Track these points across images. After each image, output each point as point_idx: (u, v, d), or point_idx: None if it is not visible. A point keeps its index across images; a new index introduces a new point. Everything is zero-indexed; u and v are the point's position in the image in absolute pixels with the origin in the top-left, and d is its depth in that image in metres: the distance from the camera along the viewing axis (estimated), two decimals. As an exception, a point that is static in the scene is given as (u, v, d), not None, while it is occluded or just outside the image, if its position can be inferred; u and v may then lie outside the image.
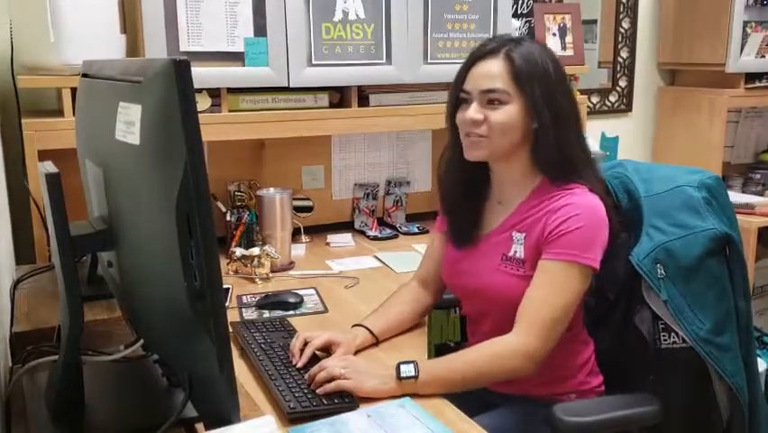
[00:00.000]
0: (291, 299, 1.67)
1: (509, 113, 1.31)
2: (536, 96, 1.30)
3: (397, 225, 2.41)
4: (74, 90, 1.58)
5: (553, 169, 1.34)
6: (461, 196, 1.44)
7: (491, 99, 1.32)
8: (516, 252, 1.35)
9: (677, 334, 1.39)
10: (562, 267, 1.28)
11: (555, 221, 1.30)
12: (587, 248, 1.28)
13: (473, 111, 1.33)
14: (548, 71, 1.32)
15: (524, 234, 1.35)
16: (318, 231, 2.32)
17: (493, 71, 1.32)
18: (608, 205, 1.34)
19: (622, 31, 3.03)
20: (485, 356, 1.28)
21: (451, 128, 1.42)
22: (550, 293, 1.28)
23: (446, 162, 1.46)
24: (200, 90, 1.90)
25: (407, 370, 1.21)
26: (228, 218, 2.09)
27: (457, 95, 1.37)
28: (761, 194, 2.94)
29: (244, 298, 1.72)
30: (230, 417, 0.84)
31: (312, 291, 1.77)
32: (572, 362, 1.42)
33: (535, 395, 1.40)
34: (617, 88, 3.07)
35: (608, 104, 3.06)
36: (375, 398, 1.18)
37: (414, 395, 1.20)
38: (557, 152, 1.32)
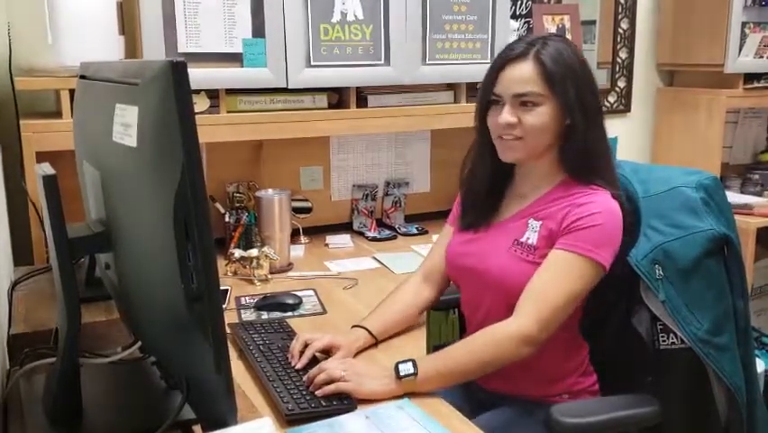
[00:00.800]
0: (290, 301, 1.66)
1: (543, 114, 1.33)
2: (569, 95, 1.32)
3: (396, 226, 2.41)
4: (72, 92, 1.58)
5: (578, 167, 1.36)
6: (486, 194, 1.46)
7: (524, 102, 1.33)
8: (528, 238, 1.36)
9: (675, 334, 1.39)
10: (572, 258, 1.29)
11: (576, 215, 1.31)
12: (601, 246, 1.29)
13: (507, 114, 1.34)
14: (577, 69, 1.34)
15: (540, 223, 1.36)
16: (317, 232, 2.31)
17: (525, 75, 1.33)
18: (625, 212, 1.35)
19: (621, 31, 3.03)
20: (483, 344, 1.28)
21: (480, 129, 1.43)
22: (555, 281, 1.29)
23: (473, 162, 1.47)
24: (198, 91, 1.90)
25: (406, 368, 1.21)
26: (227, 219, 2.09)
27: (488, 98, 1.38)
28: (759, 194, 2.94)
29: (243, 299, 1.72)
30: (227, 419, 0.84)
31: (311, 293, 1.77)
32: (566, 364, 1.42)
33: (529, 395, 1.39)
34: (616, 89, 3.07)
35: (607, 104, 3.05)
36: (375, 399, 1.18)
37: (414, 394, 1.20)
38: (584, 150, 1.34)
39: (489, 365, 1.29)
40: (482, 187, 1.46)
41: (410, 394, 1.20)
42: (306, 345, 1.31)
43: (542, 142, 1.35)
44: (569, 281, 1.29)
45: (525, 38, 1.38)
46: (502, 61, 1.37)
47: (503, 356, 1.28)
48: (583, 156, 1.35)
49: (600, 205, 1.31)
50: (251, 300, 1.70)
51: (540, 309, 1.27)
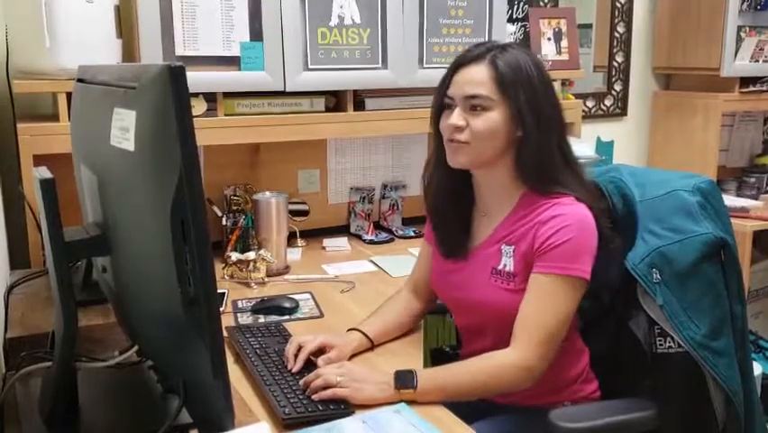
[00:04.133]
0: (287, 304, 1.66)
1: (491, 119, 1.30)
2: (521, 103, 1.29)
3: (394, 229, 2.41)
4: (69, 95, 1.58)
5: (535, 177, 1.33)
6: (448, 205, 1.43)
7: (474, 105, 1.31)
8: (505, 265, 1.35)
9: (673, 338, 1.39)
10: (553, 280, 1.28)
11: (545, 233, 1.29)
12: (575, 259, 1.27)
13: (455, 117, 1.32)
14: (533, 78, 1.31)
15: (513, 247, 1.34)
16: (314, 235, 2.31)
17: (477, 77, 1.31)
18: (597, 211, 1.33)
19: (617, 35, 3.04)
20: (485, 371, 1.27)
21: (435, 134, 1.40)
22: (544, 308, 1.28)
23: (431, 171, 1.45)
24: (196, 95, 1.90)
25: (406, 379, 1.21)
26: (224, 222, 2.09)
27: (441, 100, 1.37)
28: (755, 198, 2.95)
29: (240, 302, 1.71)
30: (224, 423, 0.84)
31: (307, 296, 1.77)
32: (568, 373, 1.42)
33: (530, 405, 1.39)
34: (613, 92, 3.08)
35: (604, 108, 3.06)
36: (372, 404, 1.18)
37: (411, 402, 1.20)
38: (538, 158, 1.31)
39: (491, 392, 1.30)
40: (444, 197, 1.43)
41: (408, 401, 1.20)
42: (299, 348, 1.31)
43: (488, 148, 1.32)
44: (556, 305, 1.27)
45: (486, 43, 1.37)
46: (457, 63, 1.35)
47: (506, 386, 1.28)
48: (539, 167, 1.32)
49: (567, 216, 1.28)
50: (248, 304, 1.70)
51: (536, 340, 1.26)
